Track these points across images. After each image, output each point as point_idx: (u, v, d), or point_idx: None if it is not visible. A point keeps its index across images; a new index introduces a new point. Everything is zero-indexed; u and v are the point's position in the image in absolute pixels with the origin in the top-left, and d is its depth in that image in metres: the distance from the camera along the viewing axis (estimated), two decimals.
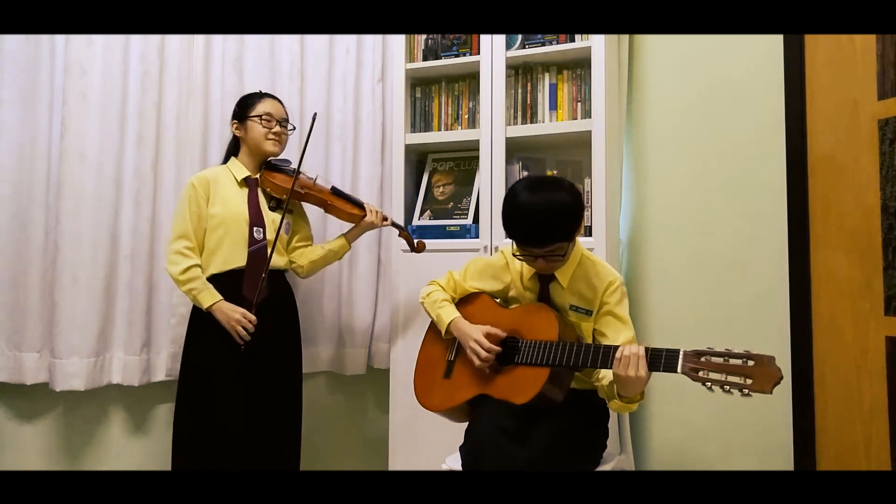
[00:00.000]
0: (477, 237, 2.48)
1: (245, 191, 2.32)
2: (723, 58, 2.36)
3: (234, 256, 2.24)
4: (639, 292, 2.45)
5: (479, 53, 2.51)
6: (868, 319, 1.93)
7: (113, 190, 2.50)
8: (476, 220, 2.52)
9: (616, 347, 1.63)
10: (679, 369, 1.56)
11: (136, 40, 2.56)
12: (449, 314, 1.93)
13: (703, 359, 1.54)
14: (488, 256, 2.31)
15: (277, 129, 2.34)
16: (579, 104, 2.43)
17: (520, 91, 2.52)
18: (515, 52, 2.47)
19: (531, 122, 2.49)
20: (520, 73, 2.52)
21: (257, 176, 2.35)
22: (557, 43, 2.42)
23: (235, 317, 2.18)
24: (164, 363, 2.59)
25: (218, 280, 2.24)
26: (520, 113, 2.51)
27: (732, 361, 1.51)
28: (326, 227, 2.76)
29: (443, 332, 1.94)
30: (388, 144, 2.83)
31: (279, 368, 2.33)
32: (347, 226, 2.47)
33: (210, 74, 2.69)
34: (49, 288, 2.44)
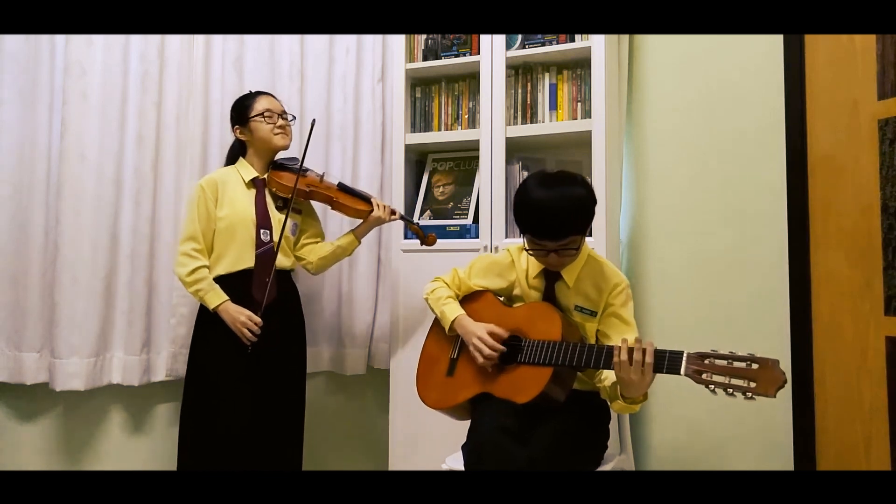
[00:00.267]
0: (477, 237, 2.48)
1: (253, 192, 2.33)
2: (723, 58, 2.36)
3: (242, 258, 2.26)
4: (639, 292, 2.45)
5: (479, 53, 2.51)
6: (868, 319, 1.93)
7: (113, 190, 2.50)
8: (476, 220, 2.52)
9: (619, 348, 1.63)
10: (682, 371, 1.56)
11: (136, 40, 2.55)
12: (453, 311, 1.93)
13: (706, 361, 1.54)
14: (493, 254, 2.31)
15: (281, 122, 2.35)
16: (579, 104, 2.43)
17: (520, 91, 2.52)
18: (515, 52, 2.47)
19: (531, 122, 2.49)
20: (520, 73, 2.52)
21: (265, 177, 2.36)
22: (557, 43, 2.42)
23: (241, 319, 2.20)
24: (164, 363, 2.59)
25: (227, 281, 2.25)
26: (520, 113, 2.51)
27: (736, 364, 1.51)
28: (327, 225, 2.76)
29: (446, 329, 1.94)
30: (388, 144, 2.83)
31: (284, 369, 2.34)
32: (346, 223, 2.46)
33: (210, 74, 2.69)
34: (49, 288, 2.44)
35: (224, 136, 2.65)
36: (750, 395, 1.48)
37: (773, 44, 2.23)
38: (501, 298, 1.98)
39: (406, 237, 2.59)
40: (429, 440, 2.42)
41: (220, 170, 2.41)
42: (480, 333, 1.83)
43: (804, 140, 2.13)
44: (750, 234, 2.28)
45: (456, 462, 1.92)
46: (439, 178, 2.69)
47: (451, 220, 2.58)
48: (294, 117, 2.46)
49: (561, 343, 1.72)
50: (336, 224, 2.74)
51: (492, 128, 2.46)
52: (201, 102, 2.65)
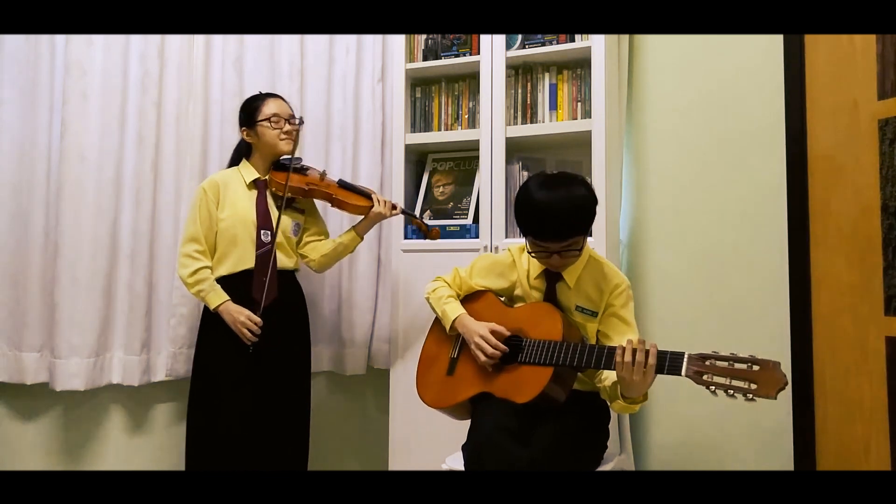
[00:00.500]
0: (477, 237, 2.48)
1: (254, 193, 2.34)
2: (723, 58, 2.36)
3: (244, 258, 2.28)
4: (639, 292, 2.45)
5: (479, 53, 2.51)
6: (868, 320, 1.93)
7: (113, 190, 2.50)
8: (476, 220, 2.52)
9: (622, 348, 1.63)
10: (683, 373, 1.56)
11: (136, 40, 2.55)
12: (454, 310, 1.93)
13: (707, 362, 1.54)
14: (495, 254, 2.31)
15: (287, 127, 2.35)
16: (579, 104, 2.43)
17: (520, 91, 2.52)
18: (515, 52, 2.47)
19: (531, 122, 2.49)
20: (520, 73, 2.52)
21: (266, 178, 2.36)
22: (557, 43, 2.42)
23: (241, 318, 2.21)
24: (164, 363, 2.59)
25: (229, 281, 2.27)
26: (520, 113, 2.51)
27: (737, 366, 1.51)
28: (328, 223, 2.75)
29: (447, 328, 1.94)
30: (388, 144, 2.83)
31: (287, 369, 2.35)
32: (347, 221, 2.46)
33: (210, 74, 2.69)
34: (49, 288, 2.44)
35: (224, 135, 2.65)
36: (751, 396, 1.48)
37: (773, 44, 2.23)
38: (502, 298, 1.98)
39: (406, 236, 2.60)
40: (429, 440, 2.42)
41: (222, 171, 2.41)
42: (482, 332, 1.83)
43: (804, 140, 2.13)
44: (750, 234, 2.28)
45: (456, 462, 1.92)
46: (439, 178, 2.69)
47: (451, 220, 2.58)
48: (302, 121, 2.46)
49: (562, 343, 1.73)
50: (336, 223, 2.74)
51: (492, 128, 2.46)
52: (201, 102, 2.65)
